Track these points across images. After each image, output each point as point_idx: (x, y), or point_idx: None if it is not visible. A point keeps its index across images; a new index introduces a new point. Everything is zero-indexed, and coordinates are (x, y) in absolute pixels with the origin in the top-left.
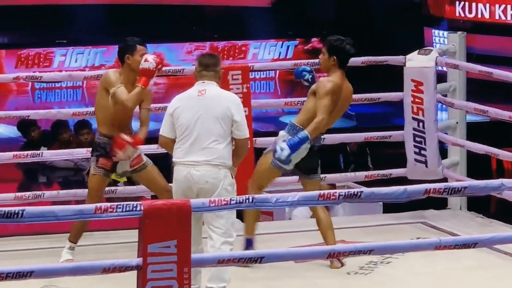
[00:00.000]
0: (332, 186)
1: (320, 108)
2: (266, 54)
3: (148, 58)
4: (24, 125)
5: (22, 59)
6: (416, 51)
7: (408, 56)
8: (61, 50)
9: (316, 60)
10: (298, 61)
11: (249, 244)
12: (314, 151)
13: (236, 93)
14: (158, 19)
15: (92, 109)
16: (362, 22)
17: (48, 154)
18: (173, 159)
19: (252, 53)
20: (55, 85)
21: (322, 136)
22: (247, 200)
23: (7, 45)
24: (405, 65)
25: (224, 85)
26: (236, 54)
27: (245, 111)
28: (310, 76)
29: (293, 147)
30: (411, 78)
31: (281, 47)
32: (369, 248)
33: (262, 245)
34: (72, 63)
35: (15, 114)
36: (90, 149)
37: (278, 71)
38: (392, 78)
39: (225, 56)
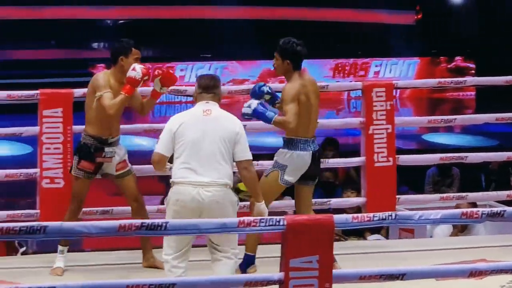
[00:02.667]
0: (473, 204)
1: (287, 113)
2: (387, 72)
3: (136, 67)
4: None
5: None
6: None
7: None
8: (181, 65)
9: (461, 79)
10: (443, 80)
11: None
12: (317, 158)
13: (379, 110)
14: (301, 35)
15: None
16: (506, 41)
17: None
18: (175, 179)
19: (373, 71)
20: (174, 99)
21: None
22: (389, 217)
23: (151, 58)
24: None
25: (368, 102)
26: (356, 72)
27: (388, 129)
28: (267, 88)
29: (256, 114)
30: None
31: (402, 65)
32: (511, 267)
33: (403, 263)
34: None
35: (160, 127)
36: None
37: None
38: None
39: (346, 74)
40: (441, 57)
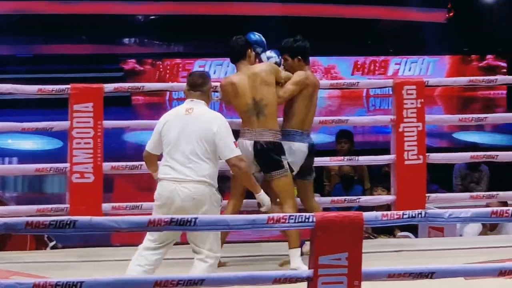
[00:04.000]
0: (503, 203)
1: (284, 89)
2: (407, 71)
3: None
4: None
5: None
6: None
7: None
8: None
9: (492, 78)
10: (474, 78)
11: None
12: (313, 151)
13: (409, 108)
14: (332, 32)
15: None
16: None
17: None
18: (159, 175)
19: (393, 69)
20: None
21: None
22: (419, 215)
23: (182, 54)
24: None
25: (398, 99)
26: (376, 70)
27: (418, 126)
28: (276, 61)
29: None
30: None
31: (422, 63)
32: None
33: (432, 261)
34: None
35: None
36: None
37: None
38: None
39: (366, 71)
40: (472, 56)
